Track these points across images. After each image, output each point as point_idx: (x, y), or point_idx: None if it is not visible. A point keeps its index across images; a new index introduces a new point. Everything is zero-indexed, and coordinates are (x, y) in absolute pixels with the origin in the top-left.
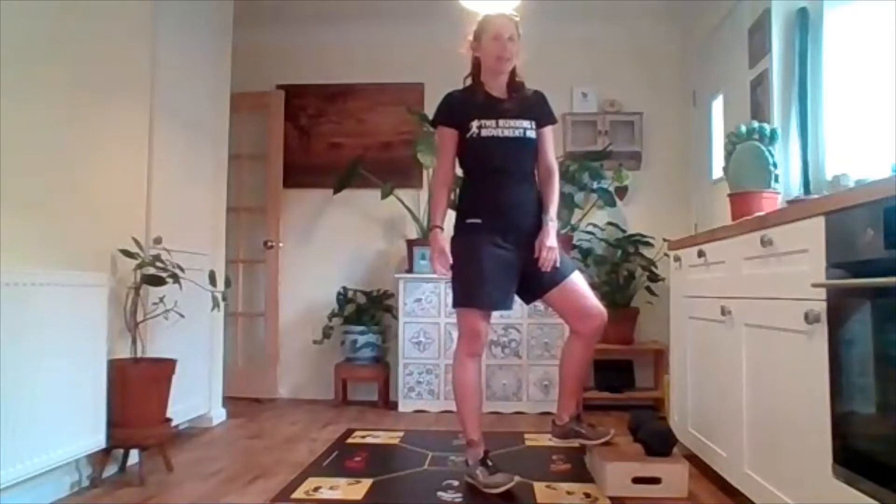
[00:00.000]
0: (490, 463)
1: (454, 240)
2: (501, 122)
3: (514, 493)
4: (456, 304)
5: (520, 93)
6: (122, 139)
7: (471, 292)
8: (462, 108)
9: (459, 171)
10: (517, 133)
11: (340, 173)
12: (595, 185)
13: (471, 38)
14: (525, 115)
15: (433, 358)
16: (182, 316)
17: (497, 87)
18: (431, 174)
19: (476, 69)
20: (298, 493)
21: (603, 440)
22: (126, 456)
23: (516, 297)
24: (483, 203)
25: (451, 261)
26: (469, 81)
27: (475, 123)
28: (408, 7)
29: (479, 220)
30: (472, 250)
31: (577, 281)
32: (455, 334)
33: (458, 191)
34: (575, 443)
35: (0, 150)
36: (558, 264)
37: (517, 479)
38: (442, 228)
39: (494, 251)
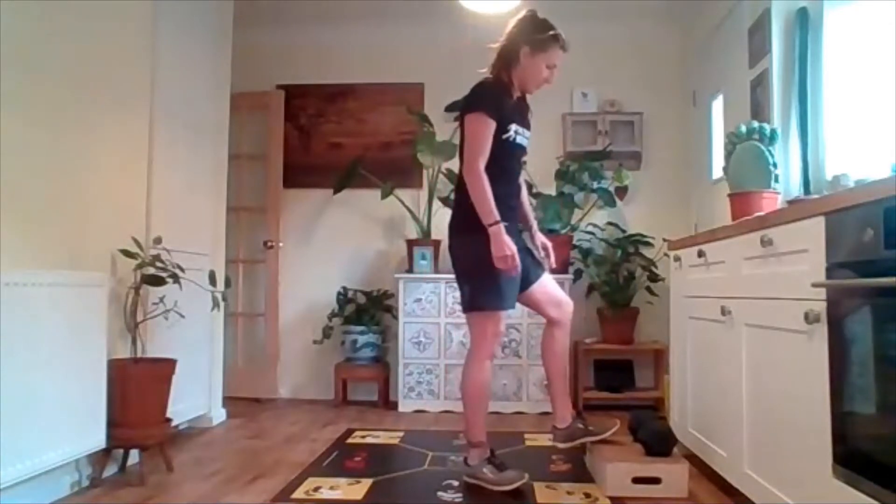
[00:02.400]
0: (498, 461)
1: (476, 241)
2: (525, 130)
3: (524, 490)
4: (485, 306)
5: (524, 101)
6: (122, 139)
7: (501, 295)
8: (506, 106)
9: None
10: (528, 143)
11: (340, 173)
12: (595, 185)
13: (524, 34)
14: (529, 125)
15: (433, 358)
16: (182, 316)
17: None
18: (465, 165)
19: (509, 67)
20: (298, 493)
21: (613, 431)
22: (126, 456)
23: None
24: (503, 205)
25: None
26: (485, 71)
27: (513, 127)
28: (408, 7)
29: (506, 224)
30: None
31: (549, 276)
32: (455, 334)
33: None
34: (580, 443)
35: (0, 150)
36: (530, 261)
37: (527, 476)
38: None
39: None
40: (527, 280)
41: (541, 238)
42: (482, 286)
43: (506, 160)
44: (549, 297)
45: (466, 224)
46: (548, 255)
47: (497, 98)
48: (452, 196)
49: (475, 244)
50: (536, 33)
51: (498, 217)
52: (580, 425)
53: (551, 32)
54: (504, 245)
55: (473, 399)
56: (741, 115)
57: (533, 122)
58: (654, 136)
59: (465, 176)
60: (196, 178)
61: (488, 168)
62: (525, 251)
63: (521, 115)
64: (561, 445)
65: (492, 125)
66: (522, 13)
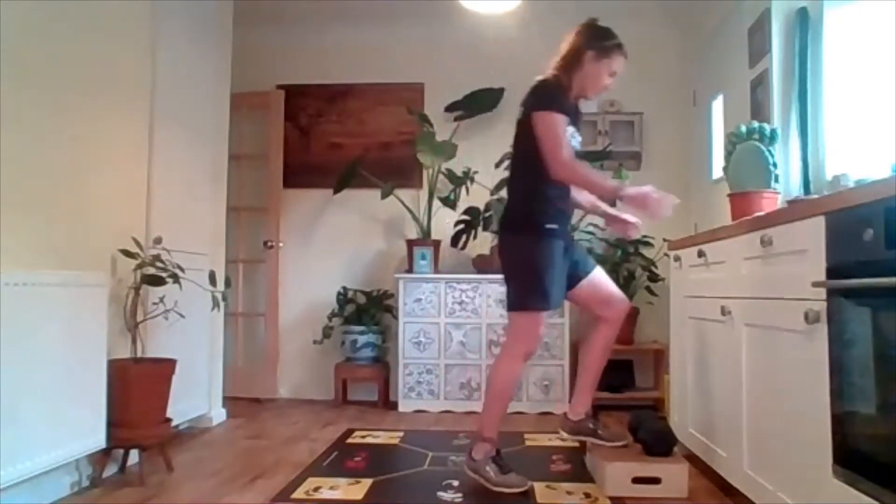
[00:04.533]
0: (503, 462)
1: (530, 241)
2: (578, 134)
3: (529, 493)
4: (529, 307)
5: (577, 106)
6: (121, 139)
7: (545, 295)
8: (568, 108)
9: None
10: (580, 147)
11: (340, 173)
12: None
13: (589, 39)
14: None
15: (433, 358)
16: (182, 316)
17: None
18: (552, 162)
19: (570, 70)
20: (298, 493)
21: (619, 444)
22: (126, 456)
23: None
24: (557, 209)
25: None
26: (547, 73)
27: (570, 129)
28: (408, 7)
29: (555, 226)
30: (551, 255)
31: (601, 272)
32: (455, 334)
33: (523, 192)
34: (583, 440)
35: (0, 150)
36: (580, 257)
37: (530, 485)
38: None
39: (562, 255)
40: (576, 276)
41: (613, 211)
42: (527, 286)
43: None
44: (599, 295)
45: (514, 224)
46: (625, 222)
47: (563, 98)
48: (451, 196)
49: (522, 244)
50: (602, 40)
51: (613, 183)
52: (590, 425)
53: (616, 41)
54: (638, 191)
55: (499, 393)
56: (741, 115)
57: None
58: (654, 136)
59: (558, 171)
60: (196, 178)
61: (541, 169)
62: (572, 248)
63: (576, 118)
64: (565, 435)
65: (565, 121)
66: (585, 20)
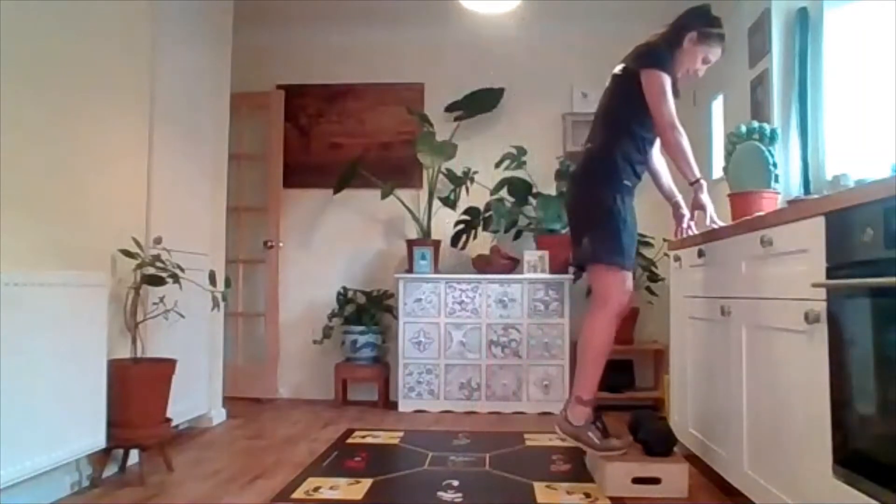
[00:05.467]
0: (603, 426)
1: (610, 195)
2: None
3: (524, 490)
4: (625, 263)
5: None
6: (121, 139)
7: (622, 251)
8: (672, 74)
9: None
10: None
11: (340, 173)
12: None
13: (697, 20)
14: None
15: (433, 358)
16: (182, 316)
17: None
18: (664, 120)
19: (672, 44)
20: (298, 493)
21: (612, 452)
22: (126, 456)
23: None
24: (635, 172)
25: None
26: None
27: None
28: (408, 7)
29: (630, 184)
30: (633, 213)
31: None
32: (455, 334)
33: (610, 147)
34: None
35: (0, 150)
36: None
37: (631, 441)
38: None
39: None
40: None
41: (684, 210)
42: (608, 240)
43: (650, 128)
44: None
45: (599, 176)
46: (680, 224)
47: (669, 63)
48: (451, 196)
49: (604, 196)
50: (707, 26)
51: (698, 173)
52: (589, 432)
53: (721, 31)
54: (702, 205)
55: (598, 355)
56: (741, 115)
57: (532, 122)
58: None
59: (668, 132)
60: (196, 178)
61: (634, 132)
62: None
63: (674, 87)
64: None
65: (670, 82)
66: (698, 4)
